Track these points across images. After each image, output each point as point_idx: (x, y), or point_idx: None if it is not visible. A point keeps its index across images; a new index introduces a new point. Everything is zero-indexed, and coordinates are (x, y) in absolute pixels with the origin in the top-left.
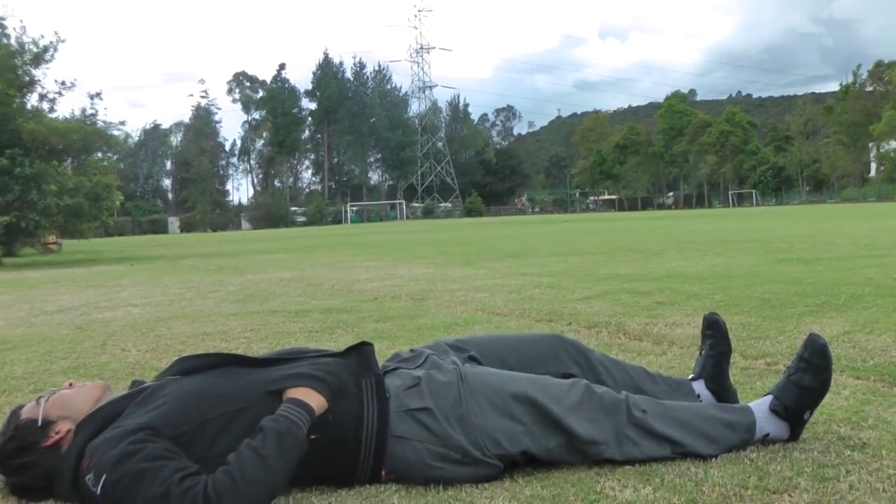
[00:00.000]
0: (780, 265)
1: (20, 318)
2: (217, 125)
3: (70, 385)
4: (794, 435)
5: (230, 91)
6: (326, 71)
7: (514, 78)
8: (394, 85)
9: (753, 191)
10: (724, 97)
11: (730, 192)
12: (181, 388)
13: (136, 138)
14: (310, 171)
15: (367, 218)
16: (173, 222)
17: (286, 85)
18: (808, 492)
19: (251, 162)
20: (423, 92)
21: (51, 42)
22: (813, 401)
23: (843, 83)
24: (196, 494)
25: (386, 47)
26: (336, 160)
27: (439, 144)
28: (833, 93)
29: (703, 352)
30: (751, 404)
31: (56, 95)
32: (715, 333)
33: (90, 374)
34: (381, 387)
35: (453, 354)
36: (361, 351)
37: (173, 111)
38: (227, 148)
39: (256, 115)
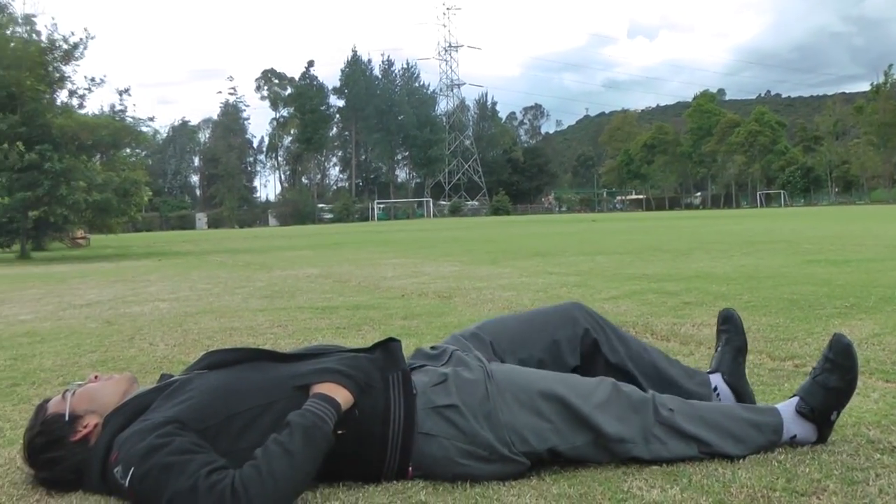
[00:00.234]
0: (808, 266)
1: (49, 312)
2: (245, 122)
3: (96, 378)
4: (822, 437)
5: (258, 88)
6: (355, 68)
7: (543, 76)
8: (422, 83)
9: (782, 191)
10: (753, 97)
11: (758, 193)
12: (209, 382)
13: (165, 134)
14: (337, 169)
15: (394, 215)
16: (201, 218)
17: (314, 82)
18: (837, 495)
19: (279, 159)
20: (451, 90)
21: (81, 39)
22: (839, 402)
23: (874, 83)
24: (224, 488)
25: (414, 45)
26: (363, 157)
27: (467, 142)
28: (863, 93)
29: (718, 347)
30: (777, 405)
31: (85, 91)
32: (730, 328)
33: (118, 368)
34: (407, 383)
35: (475, 350)
36: (388, 347)
37: (202, 108)
38: (255, 145)
39: (284, 112)
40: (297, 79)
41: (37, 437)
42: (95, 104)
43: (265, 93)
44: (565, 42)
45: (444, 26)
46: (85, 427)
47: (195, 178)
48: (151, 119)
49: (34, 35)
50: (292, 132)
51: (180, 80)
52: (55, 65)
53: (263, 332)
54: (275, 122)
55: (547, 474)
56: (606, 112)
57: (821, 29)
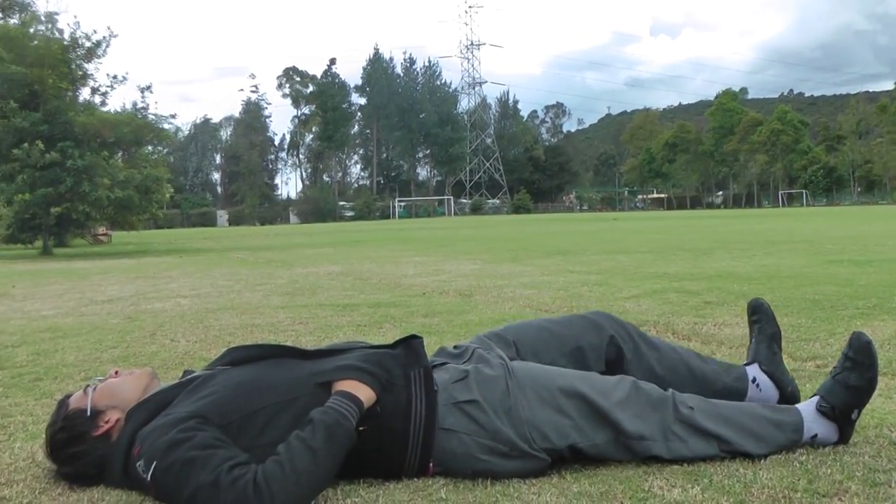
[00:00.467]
0: (830, 266)
1: (71, 308)
2: (267, 120)
3: (116, 373)
4: (844, 437)
5: (280, 86)
6: (376, 66)
7: (565, 75)
8: (443, 81)
9: (804, 191)
10: (776, 95)
11: (780, 192)
12: (232, 378)
13: (187, 132)
14: (358, 166)
15: (415, 213)
16: (222, 215)
17: (336, 80)
18: (859, 496)
19: (300, 156)
20: (473, 88)
21: (104, 37)
22: (860, 400)
23: None
24: (246, 483)
25: (436, 43)
26: (385, 155)
27: (488, 141)
28: (887, 91)
29: (752, 338)
30: (798, 405)
31: (108, 89)
32: (761, 317)
33: (140, 364)
34: (429, 380)
35: (497, 349)
36: (410, 344)
37: (223, 105)
38: (277, 142)
39: (306, 110)
40: (318, 77)
41: (59, 432)
42: (117, 101)
43: (287, 90)
44: (587, 40)
45: (466, 24)
46: (107, 422)
47: (216, 176)
48: (173, 116)
49: (56, 33)
50: (314, 130)
51: (202, 78)
52: (77, 62)
53: (284, 329)
54: (296, 120)
55: (567, 472)
56: (628, 110)
57: (844, 27)
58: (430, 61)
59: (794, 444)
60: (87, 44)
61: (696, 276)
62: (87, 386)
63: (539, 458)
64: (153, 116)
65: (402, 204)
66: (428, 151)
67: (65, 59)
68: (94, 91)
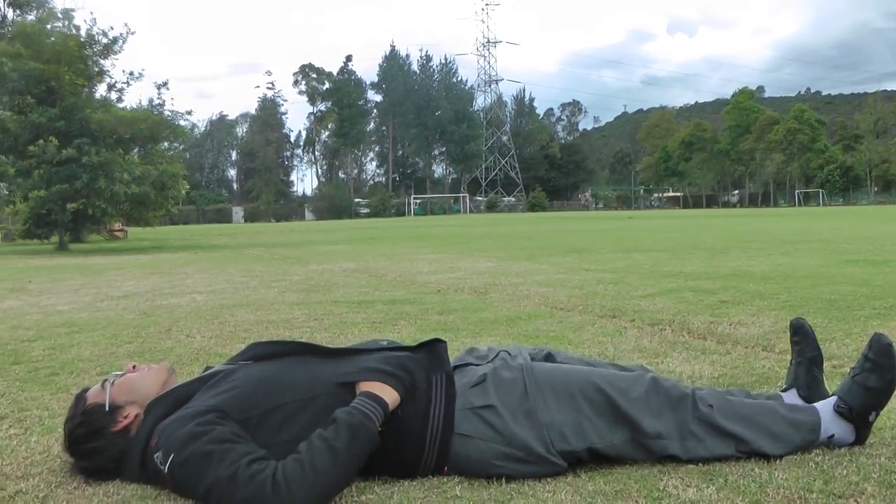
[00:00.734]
0: (846, 266)
1: (87, 303)
2: (283, 116)
3: (134, 367)
4: (860, 438)
5: (296, 83)
6: (393, 63)
7: (581, 73)
8: (459, 78)
9: (820, 190)
10: (793, 94)
11: (796, 192)
12: (252, 374)
13: (203, 129)
14: (374, 163)
15: (431, 211)
16: (237, 212)
17: (352, 77)
18: (875, 498)
19: (316, 153)
20: (489, 86)
21: (120, 34)
22: (878, 402)
23: None
24: (264, 479)
25: (452, 40)
26: (400, 152)
27: (504, 138)
28: None
29: (792, 360)
30: (816, 405)
31: (124, 85)
32: (802, 339)
33: (155, 359)
34: (450, 385)
35: (526, 351)
36: (434, 348)
37: (240, 102)
38: (293, 139)
39: (322, 107)
40: (334, 73)
41: (78, 427)
42: (134, 98)
43: (303, 87)
44: (604, 38)
45: (483, 22)
46: (125, 417)
47: (232, 172)
48: (189, 113)
49: (73, 30)
50: (330, 127)
51: (218, 75)
52: (94, 59)
53: (300, 326)
54: (312, 117)
55: (582, 471)
56: (644, 109)
57: (862, 25)
58: (446, 58)
59: (811, 444)
60: (104, 40)
61: (711, 275)
62: (106, 380)
63: (555, 464)
64: (169, 113)
65: (418, 201)
66: (444, 149)
67: (81, 56)
68: (111, 88)
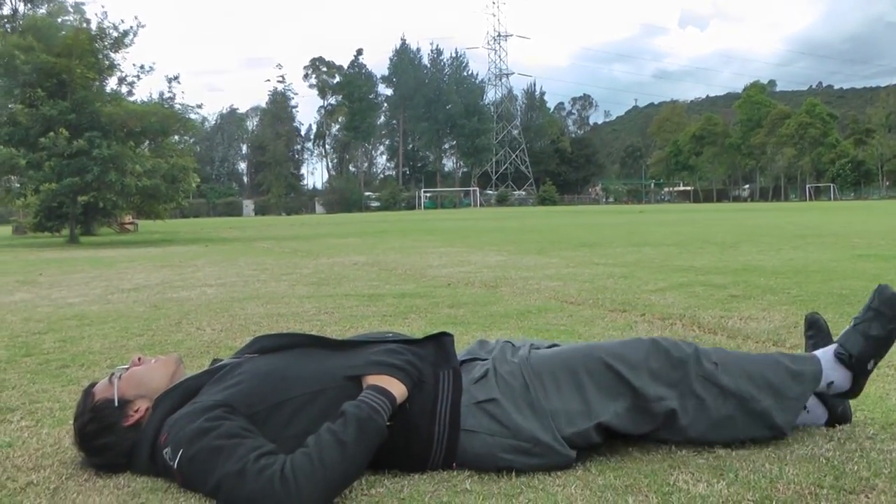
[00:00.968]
0: (858, 261)
1: (97, 296)
2: (293, 110)
3: (139, 360)
4: (857, 387)
5: (307, 76)
6: (403, 57)
7: (592, 67)
8: (470, 72)
9: (831, 184)
10: (805, 88)
11: (807, 186)
12: (259, 367)
13: (213, 122)
14: (384, 157)
15: (441, 204)
16: (248, 205)
17: (363, 70)
18: (886, 493)
19: (326, 147)
20: (500, 79)
21: (131, 27)
22: (878, 351)
23: None
24: (273, 474)
25: (463, 34)
26: (411, 146)
27: (514, 132)
28: None
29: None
30: (817, 352)
31: (135, 79)
32: (816, 333)
33: (165, 352)
34: (457, 380)
35: (529, 344)
36: (441, 342)
37: (250, 96)
38: (303, 132)
39: (332, 101)
40: (345, 67)
41: (88, 424)
42: (145, 91)
43: (313, 81)
44: (615, 32)
45: (494, 15)
46: (136, 411)
47: (242, 166)
48: (200, 106)
49: (84, 23)
50: (340, 120)
51: (229, 68)
52: (105, 52)
53: (310, 319)
54: (323, 111)
55: (593, 465)
56: (655, 102)
57: (876, 19)
58: (457, 52)
59: (808, 396)
60: (115, 34)
61: (722, 270)
62: (112, 374)
63: (563, 454)
64: (180, 106)
65: (428, 195)
66: (454, 142)
67: (92, 49)
68: (121, 81)
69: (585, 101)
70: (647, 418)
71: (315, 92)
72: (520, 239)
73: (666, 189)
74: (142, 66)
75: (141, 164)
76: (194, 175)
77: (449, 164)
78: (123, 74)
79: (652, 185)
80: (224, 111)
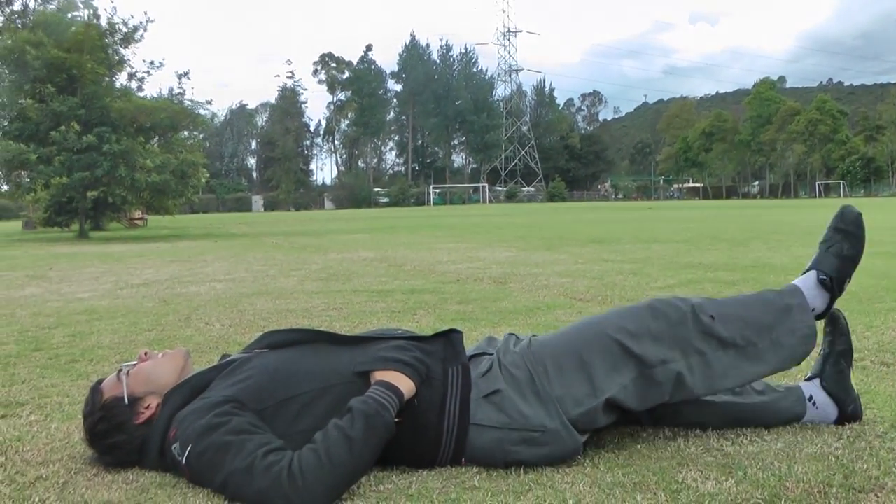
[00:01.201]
0: (867, 258)
1: (106, 290)
2: (302, 106)
3: (146, 355)
4: (830, 308)
5: (316, 72)
6: (413, 53)
7: (602, 63)
8: (480, 68)
9: (841, 181)
10: (815, 84)
11: (817, 183)
12: (268, 363)
13: (223, 118)
14: (394, 153)
15: (450, 200)
16: (257, 201)
17: (372, 66)
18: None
19: (335, 142)
20: (509, 75)
21: (140, 22)
22: (851, 270)
23: None
24: (280, 470)
25: (473, 30)
26: (420, 142)
27: (524, 128)
28: None
29: (821, 350)
30: (796, 281)
31: (144, 75)
32: (833, 331)
33: (173, 347)
34: (467, 376)
35: (532, 335)
36: (450, 338)
37: (260, 92)
38: (312, 128)
39: (342, 96)
40: (355, 63)
41: (99, 423)
42: (154, 87)
43: (323, 76)
44: (625, 28)
45: (503, 11)
46: (147, 408)
47: (252, 161)
48: (209, 102)
49: (94, 18)
50: (349, 116)
51: (239, 64)
52: (115, 48)
53: (319, 315)
54: (332, 106)
55: (601, 462)
56: (665, 99)
57: (887, 15)
58: (466, 48)
59: (802, 325)
60: (124, 29)
61: (731, 267)
62: (120, 371)
63: (571, 439)
64: (189, 102)
65: (437, 191)
66: (463, 138)
67: (102, 45)
68: (131, 77)
69: (595, 98)
70: (655, 389)
71: (324, 87)
72: (529, 235)
73: (675, 186)
74: (151, 62)
75: (151, 159)
76: (204, 170)
77: (458, 160)
78: (133, 70)
79: (661, 182)
80: (233, 107)
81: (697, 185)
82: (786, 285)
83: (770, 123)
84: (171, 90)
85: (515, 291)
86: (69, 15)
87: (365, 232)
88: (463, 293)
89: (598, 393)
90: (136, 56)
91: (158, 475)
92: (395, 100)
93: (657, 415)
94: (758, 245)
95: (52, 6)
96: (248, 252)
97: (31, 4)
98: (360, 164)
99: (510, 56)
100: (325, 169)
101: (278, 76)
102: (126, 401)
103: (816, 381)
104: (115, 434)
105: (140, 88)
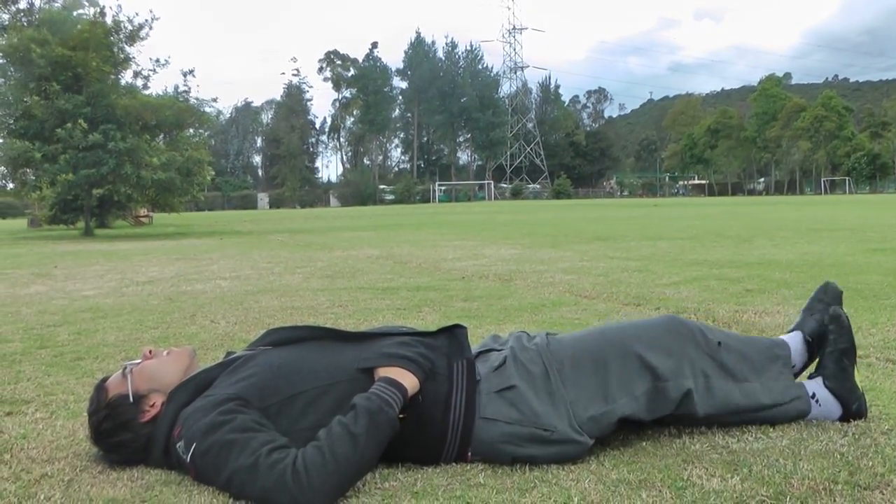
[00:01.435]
0: (873, 255)
1: (112, 288)
2: (308, 103)
3: (150, 352)
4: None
5: (321, 69)
6: (418, 50)
7: (607, 60)
8: (485, 65)
9: (847, 178)
10: (820, 81)
11: (822, 179)
12: (272, 360)
13: (228, 115)
14: (399, 150)
15: (455, 198)
16: (262, 198)
17: (378, 64)
18: None
19: (341, 140)
20: (515, 72)
21: (145, 20)
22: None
23: None
24: (284, 468)
25: (478, 27)
26: (425, 139)
27: (529, 125)
28: None
29: (825, 349)
30: (786, 338)
31: (150, 72)
32: (836, 328)
33: (179, 345)
34: (472, 371)
35: (545, 333)
36: (455, 333)
37: (265, 89)
38: (318, 125)
39: (347, 94)
40: (360, 60)
41: (104, 421)
42: (160, 85)
43: (328, 74)
44: (631, 25)
45: (509, 8)
46: (152, 406)
47: (257, 159)
48: (214, 100)
49: (100, 17)
50: (355, 113)
51: (244, 62)
52: (120, 46)
53: (324, 312)
54: (337, 104)
55: (606, 459)
56: (670, 96)
57: (893, 11)
58: (471, 45)
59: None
60: (130, 27)
61: (736, 264)
62: (125, 368)
63: (581, 443)
64: (195, 100)
65: (443, 188)
66: (469, 135)
67: (107, 43)
68: (137, 74)
69: (600, 95)
70: (663, 403)
71: (330, 85)
72: (534, 232)
73: (681, 182)
74: (157, 60)
75: (156, 157)
76: (209, 168)
77: (463, 157)
78: (139, 68)
79: (667, 179)
80: (239, 104)
81: (703, 182)
82: (779, 340)
83: (775, 120)
84: (176, 88)
85: (520, 289)
86: (75, 13)
87: (370, 229)
88: (468, 290)
89: (610, 401)
90: (141, 54)
91: (163, 473)
92: (400, 97)
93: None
94: (763, 242)
95: (57, 4)
96: (253, 250)
97: (37, 3)
98: (366, 161)
99: (515, 53)
100: (330, 166)
101: (284, 74)
102: (131, 399)
103: (819, 379)
104: (120, 432)
105: (145, 86)
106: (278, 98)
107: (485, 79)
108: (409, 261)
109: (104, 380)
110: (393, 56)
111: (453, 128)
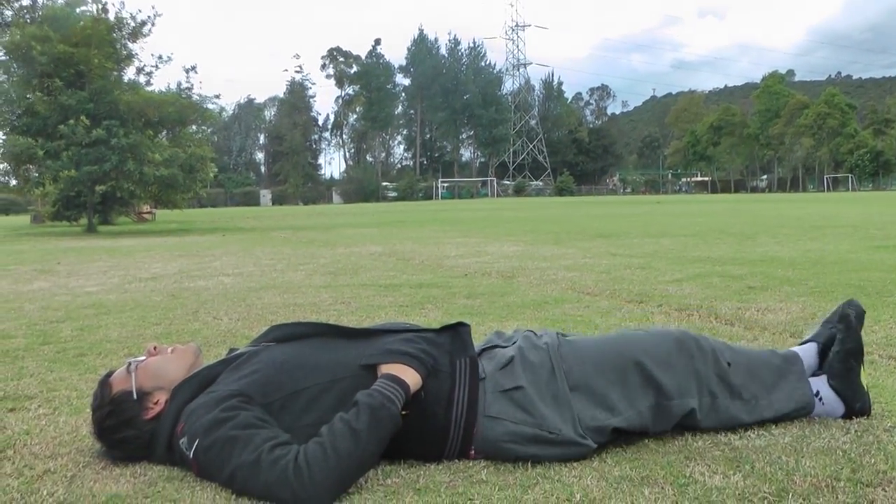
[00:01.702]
0: (875, 252)
1: (115, 285)
2: (311, 100)
3: (155, 349)
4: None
5: (324, 66)
6: (421, 47)
7: (610, 57)
8: (488, 62)
9: (850, 175)
10: (823, 78)
11: (825, 176)
12: (275, 357)
13: (231, 112)
14: (402, 147)
15: (458, 194)
16: (265, 195)
17: (381, 60)
18: None
19: (344, 136)
20: (518, 69)
21: (148, 17)
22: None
23: None
24: (287, 464)
25: (481, 24)
26: (428, 136)
27: (532, 122)
28: None
29: (832, 348)
30: (796, 349)
31: (153, 69)
32: (845, 328)
33: (183, 341)
34: (475, 368)
35: (553, 332)
36: (458, 331)
37: (268, 86)
38: (320, 122)
39: (350, 90)
40: (363, 57)
41: (108, 417)
42: (162, 82)
43: (331, 71)
44: (634, 22)
45: (512, 6)
46: (156, 403)
47: (260, 156)
48: (217, 96)
49: (102, 13)
50: (357, 110)
51: (247, 59)
52: (123, 42)
53: (326, 309)
54: (340, 100)
55: (609, 456)
56: (673, 93)
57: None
58: (474, 42)
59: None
60: (132, 24)
61: (739, 261)
62: (129, 364)
63: (584, 445)
64: (197, 96)
65: (445, 185)
66: (471, 132)
67: (110, 39)
68: (139, 71)
69: (603, 92)
70: (667, 418)
71: (332, 82)
72: (537, 229)
73: (684, 179)
74: (160, 56)
75: (159, 153)
76: (212, 165)
77: (466, 154)
78: (141, 64)
79: (669, 176)
80: (242, 101)
81: (706, 179)
82: (790, 353)
83: (778, 117)
84: (179, 84)
85: (523, 286)
86: (77, 10)
87: (373, 226)
88: (471, 287)
89: (616, 413)
90: (143, 50)
91: (166, 469)
92: (403, 94)
93: None
94: (766, 239)
95: (60, 1)
96: (256, 246)
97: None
98: (369, 158)
99: (518, 50)
100: (333, 163)
101: (286, 70)
102: (135, 395)
103: (824, 378)
104: (123, 429)
105: (148, 83)
106: (281, 95)
107: (487, 76)
108: (412, 258)
109: (108, 376)
110: (396, 53)
111: (456, 125)
